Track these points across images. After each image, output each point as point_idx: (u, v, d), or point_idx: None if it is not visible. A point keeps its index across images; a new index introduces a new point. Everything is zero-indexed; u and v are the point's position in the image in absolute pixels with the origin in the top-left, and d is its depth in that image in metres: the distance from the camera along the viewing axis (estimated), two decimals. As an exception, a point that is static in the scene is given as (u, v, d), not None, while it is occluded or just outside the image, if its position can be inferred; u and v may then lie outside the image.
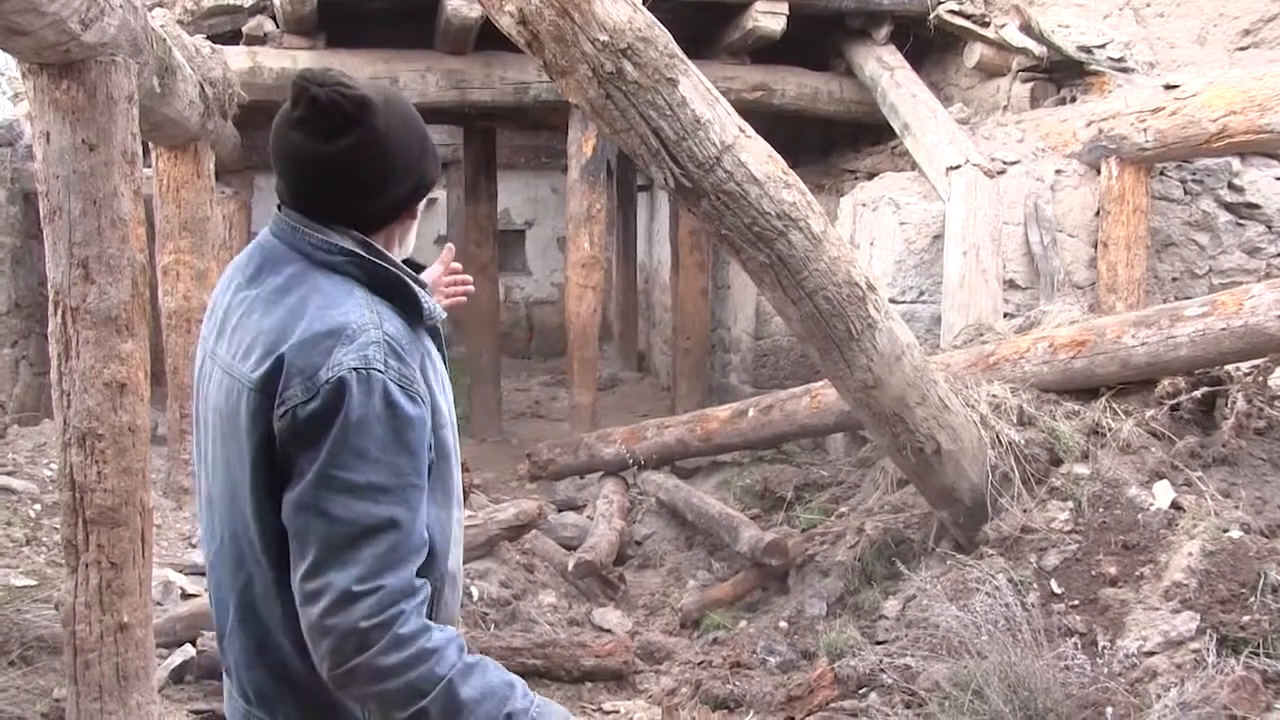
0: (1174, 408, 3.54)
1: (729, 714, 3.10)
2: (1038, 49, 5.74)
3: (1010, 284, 5.02)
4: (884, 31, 6.29)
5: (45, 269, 2.31)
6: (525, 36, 2.51)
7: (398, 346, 1.18)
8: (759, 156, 2.72)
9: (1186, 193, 5.37)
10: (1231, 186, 5.32)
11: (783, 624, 3.79)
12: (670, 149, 2.60)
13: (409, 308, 1.25)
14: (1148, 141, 4.75)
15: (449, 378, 1.34)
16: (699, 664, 3.58)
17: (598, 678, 3.57)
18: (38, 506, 3.94)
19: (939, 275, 5.06)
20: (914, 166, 5.60)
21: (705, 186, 2.67)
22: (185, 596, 3.50)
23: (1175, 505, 3.20)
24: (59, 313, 2.26)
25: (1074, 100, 5.65)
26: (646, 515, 5.34)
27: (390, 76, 5.77)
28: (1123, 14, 5.81)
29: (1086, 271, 5.16)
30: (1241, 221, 5.35)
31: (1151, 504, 3.23)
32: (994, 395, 3.62)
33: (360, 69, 5.52)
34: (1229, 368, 3.57)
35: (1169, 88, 4.71)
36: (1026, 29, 5.77)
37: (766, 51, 6.30)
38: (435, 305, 1.29)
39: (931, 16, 6.05)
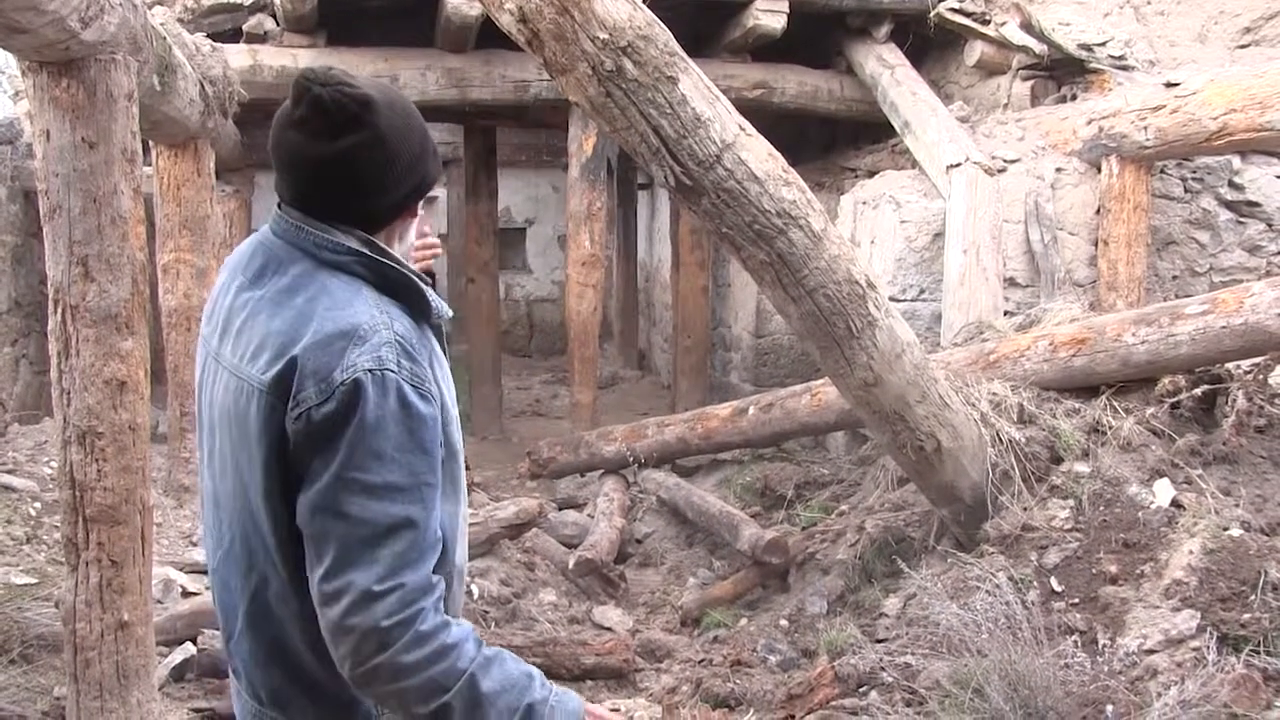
0: (1174, 406, 3.54)
1: (729, 712, 3.10)
2: (1038, 47, 5.73)
3: (1011, 282, 5.01)
4: (884, 30, 6.29)
5: (45, 267, 2.31)
6: (525, 34, 2.51)
7: (408, 346, 1.18)
8: (759, 154, 2.72)
9: (1187, 191, 5.37)
10: (1232, 184, 5.32)
11: (783, 622, 3.79)
12: (670, 147, 2.60)
13: (416, 307, 1.25)
14: (1148, 139, 4.74)
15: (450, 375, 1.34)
16: (699, 662, 3.58)
17: (598, 676, 3.58)
18: (38, 505, 3.94)
19: (939, 273, 5.06)
20: (914, 164, 5.60)
21: (705, 184, 2.67)
22: (186, 595, 3.50)
23: (1176, 503, 3.20)
24: (59, 311, 2.26)
25: (1074, 98, 5.64)
26: (647, 513, 5.34)
27: (390, 75, 5.76)
28: (1123, 12, 5.81)
29: (1087, 269, 5.16)
30: (1242, 219, 5.35)
31: (1152, 502, 3.23)
32: (994, 393, 3.62)
33: (360, 67, 5.52)
34: (1229, 366, 3.56)
35: (1169, 85, 4.71)
36: (1027, 27, 5.77)
37: (767, 50, 6.30)
38: (442, 304, 1.30)
39: (932, 14, 6.05)
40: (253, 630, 1.26)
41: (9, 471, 4.22)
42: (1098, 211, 5.13)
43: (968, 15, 6.00)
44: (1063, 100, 5.73)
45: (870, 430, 3.87)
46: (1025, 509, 3.35)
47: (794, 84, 6.46)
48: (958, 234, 4.89)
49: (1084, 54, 5.57)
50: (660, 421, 5.77)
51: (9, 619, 2.95)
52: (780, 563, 4.25)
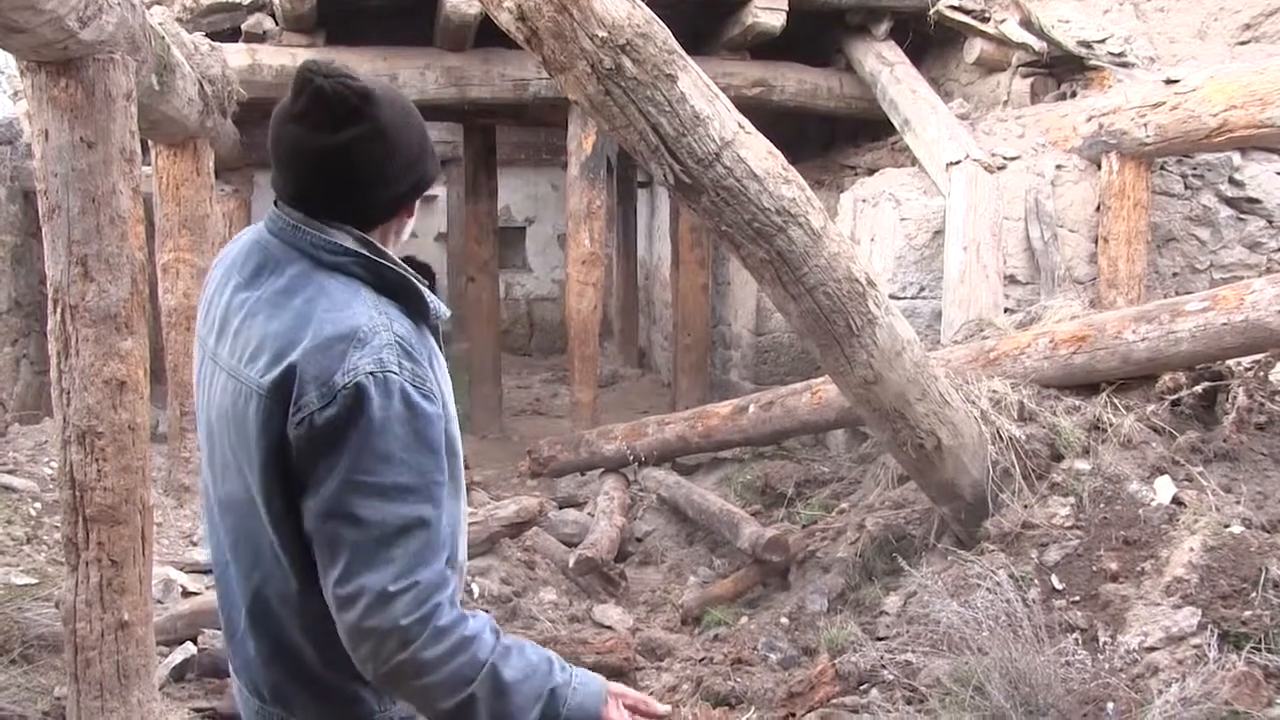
0: (1175, 403, 3.54)
1: (730, 710, 3.10)
2: (1038, 44, 5.73)
3: (1011, 279, 5.01)
4: (884, 27, 6.29)
5: (45, 267, 2.31)
6: (524, 33, 2.50)
7: (408, 347, 1.17)
8: (758, 152, 2.72)
9: (1187, 187, 5.36)
10: (1232, 181, 5.32)
11: (784, 620, 3.79)
12: (670, 145, 2.60)
13: (415, 307, 1.24)
14: (1148, 136, 4.74)
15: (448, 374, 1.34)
16: (700, 661, 3.58)
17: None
18: (38, 505, 3.94)
19: (939, 271, 5.05)
20: (914, 162, 5.59)
21: (705, 182, 2.67)
22: (186, 594, 3.50)
23: (1176, 501, 3.20)
24: (58, 310, 2.26)
25: (1074, 95, 5.64)
26: (647, 512, 5.34)
27: (389, 73, 5.76)
28: (1123, 8, 5.80)
29: (1087, 267, 5.16)
30: (1242, 216, 5.34)
31: (1153, 499, 3.23)
32: (995, 391, 3.62)
33: (359, 66, 5.48)
34: (1230, 363, 3.56)
35: (1169, 82, 4.71)
36: (1026, 24, 5.76)
37: (766, 47, 6.29)
38: (440, 304, 1.29)
39: (931, 12, 6.04)
40: (255, 628, 1.26)
41: (9, 471, 4.22)
42: (1098, 208, 5.12)
43: (967, 12, 6.00)
44: (1062, 97, 5.72)
45: (870, 428, 3.87)
46: (1026, 506, 3.34)
47: (793, 82, 6.46)
48: (958, 231, 4.89)
49: (1084, 51, 5.56)
50: (660, 420, 5.77)
51: (9, 619, 2.95)
52: (781, 561, 4.25)
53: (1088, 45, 5.55)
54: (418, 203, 1.32)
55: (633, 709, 1.25)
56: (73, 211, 2.22)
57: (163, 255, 4.55)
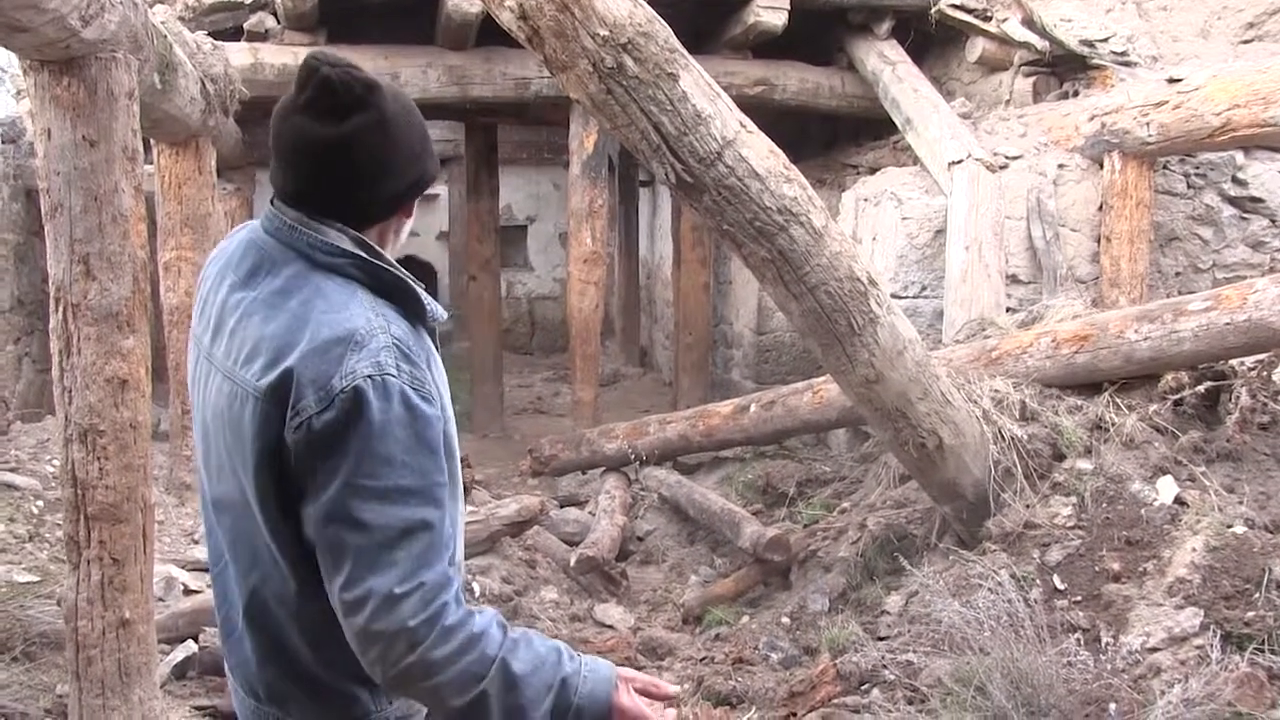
0: (1177, 403, 3.54)
1: (731, 710, 3.10)
2: (1040, 43, 5.72)
3: (1013, 279, 5.01)
4: (885, 26, 6.28)
5: (47, 265, 2.31)
6: (525, 32, 2.50)
7: (406, 349, 1.17)
8: (760, 151, 2.72)
9: (1190, 187, 5.35)
10: (1235, 180, 5.31)
11: (785, 620, 3.79)
12: (671, 144, 2.60)
13: (411, 309, 1.24)
14: (1151, 135, 4.73)
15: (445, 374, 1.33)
16: (701, 660, 3.58)
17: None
18: (40, 503, 3.94)
19: (941, 270, 5.05)
20: (916, 161, 5.59)
21: (706, 182, 2.66)
22: (187, 592, 3.50)
23: (1179, 501, 3.20)
24: (60, 309, 2.26)
25: (1076, 94, 5.63)
26: (648, 511, 5.34)
27: (391, 72, 5.76)
28: (1125, 7, 5.79)
29: (1089, 266, 5.15)
30: (1245, 215, 5.33)
31: (1155, 499, 3.22)
32: (996, 390, 3.61)
33: (361, 65, 5.47)
34: (1233, 362, 3.56)
35: (1172, 81, 4.70)
36: (1029, 23, 5.75)
37: (768, 46, 6.29)
38: (436, 306, 1.28)
39: (933, 11, 6.04)
40: (252, 628, 1.25)
41: (12, 469, 4.22)
42: (1100, 208, 5.12)
43: (969, 11, 5.99)
44: (1065, 96, 5.71)
45: (872, 427, 3.87)
46: (1027, 506, 3.34)
47: (795, 81, 6.45)
48: (959, 231, 4.88)
49: (1086, 50, 5.55)
50: (662, 419, 5.77)
51: (11, 617, 2.95)
52: (782, 560, 4.25)
53: (1090, 44, 5.55)
54: (416, 204, 1.31)
55: (643, 692, 1.25)
56: (75, 210, 2.22)
57: (164, 254, 4.55)
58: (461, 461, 1.37)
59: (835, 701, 2.88)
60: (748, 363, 7.32)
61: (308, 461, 1.12)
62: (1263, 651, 2.57)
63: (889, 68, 6.06)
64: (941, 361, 3.64)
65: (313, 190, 1.21)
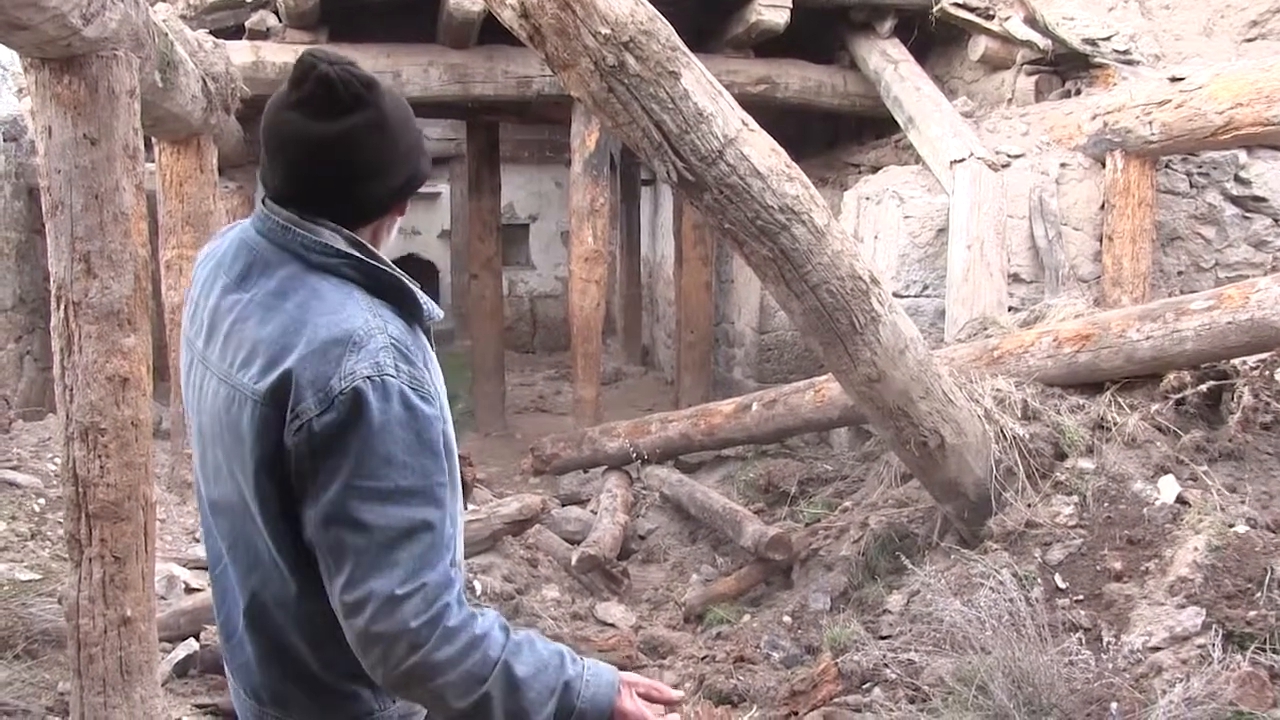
0: (1179, 402, 3.53)
1: (733, 709, 3.10)
2: (1042, 42, 5.71)
3: (1014, 278, 5.00)
4: (888, 24, 6.27)
5: (48, 263, 2.31)
6: (527, 30, 2.50)
7: (404, 349, 1.16)
8: (762, 150, 2.71)
9: (1192, 186, 5.34)
10: (1238, 179, 5.30)
11: (786, 619, 3.79)
12: (673, 142, 2.59)
13: (408, 308, 1.23)
14: (1153, 134, 4.72)
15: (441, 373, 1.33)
16: (703, 659, 3.58)
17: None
18: (42, 501, 3.94)
19: (943, 269, 5.04)
20: (918, 160, 5.58)
21: (708, 180, 2.66)
22: (189, 591, 3.51)
23: (1181, 500, 3.19)
24: (61, 307, 2.25)
25: (1079, 93, 5.62)
26: (650, 510, 5.34)
27: (393, 70, 5.76)
28: (1128, 6, 5.78)
29: (1091, 265, 5.14)
30: (1248, 214, 5.33)
31: (1157, 499, 3.22)
32: (998, 389, 3.61)
33: (363, 63, 5.42)
34: (1235, 362, 3.55)
35: (1175, 80, 4.69)
36: (1031, 21, 5.75)
37: (770, 45, 6.28)
38: (433, 305, 1.27)
39: (935, 9, 6.03)
40: (253, 630, 1.25)
41: (13, 468, 4.23)
42: (1102, 207, 5.11)
43: (971, 10, 5.98)
44: (1067, 95, 5.71)
45: (874, 426, 3.87)
46: (1029, 505, 3.34)
47: (797, 79, 6.45)
48: (961, 229, 4.87)
49: (1088, 49, 5.54)
50: (663, 418, 5.77)
51: (13, 615, 2.95)
52: (783, 559, 4.25)
53: (1092, 43, 5.54)
54: (411, 203, 1.30)
55: (646, 696, 1.24)
56: (76, 208, 2.22)
57: (166, 252, 4.55)
58: (463, 460, 1.37)
59: (837, 700, 2.88)
60: (750, 361, 7.31)
61: (308, 463, 1.11)
62: (1264, 651, 2.57)
63: (891, 66, 6.06)
64: (943, 360, 3.63)
65: (307, 189, 1.20)
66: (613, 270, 10.62)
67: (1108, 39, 5.54)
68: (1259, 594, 2.73)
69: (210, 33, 4.95)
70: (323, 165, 1.18)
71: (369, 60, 5.64)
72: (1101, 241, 5.11)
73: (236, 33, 5.71)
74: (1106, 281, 5.03)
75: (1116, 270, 4.99)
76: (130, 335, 2.31)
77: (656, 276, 10.88)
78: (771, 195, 2.71)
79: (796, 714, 2.92)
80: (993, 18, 5.94)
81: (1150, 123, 4.72)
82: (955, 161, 5.01)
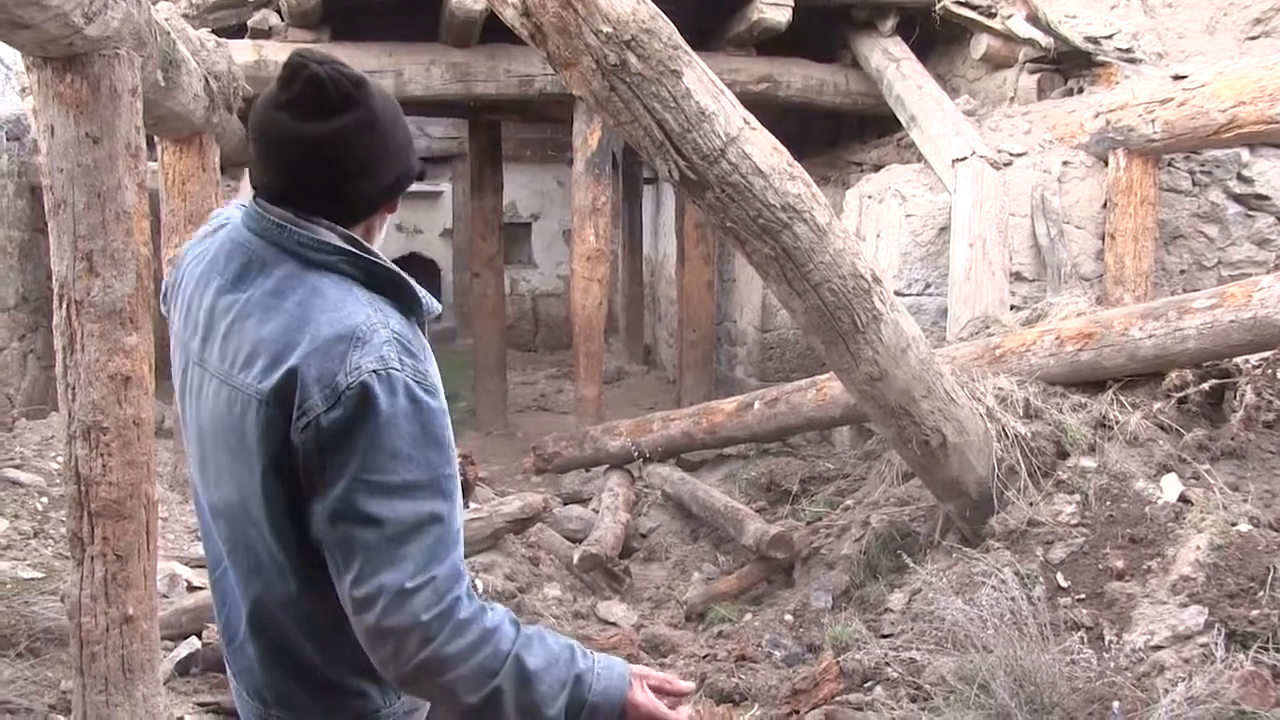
0: (1182, 400, 3.53)
1: (734, 707, 3.10)
2: (1044, 40, 5.70)
3: (1017, 276, 4.99)
4: (890, 23, 6.27)
5: (51, 262, 2.31)
6: (529, 29, 2.50)
7: (406, 343, 1.16)
8: (764, 148, 2.71)
9: (1195, 184, 5.33)
10: (1241, 178, 5.29)
11: (788, 617, 3.79)
12: (675, 141, 2.59)
13: (407, 303, 1.23)
14: (1156, 132, 4.72)
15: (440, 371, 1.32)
16: (704, 657, 3.58)
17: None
18: (45, 499, 3.95)
19: (945, 267, 5.04)
20: (920, 158, 5.57)
21: (710, 179, 2.66)
22: (191, 589, 3.51)
23: (1183, 498, 3.19)
24: (64, 306, 2.26)
25: (1081, 91, 5.61)
26: (652, 508, 5.34)
27: (395, 69, 5.76)
28: (1130, 4, 5.77)
29: (1094, 263, 5.14)
30: (1251, 213, 5.32)
31: (1159, 497, 3.21)
32: (1000, 388, 3.61)
33: (365, 62, 5.52)
34: (1238, 360, 3.55)
35: (1177, 78, 4.68)
36: (1033, 20, 5.74)
37: (772, 43, 6.28)
38: (431, 299, 1.28)
39: (937, 7, 6.02)
40: (256, 633, 1.25)
41: (16, 466, 4.23)
42: (1104, 205, 5.10)
43: (973, 8, 5.97)
44: (1069, 93, 5.70)
45: (875, 425, 3.86)
46: (1031, 504, 3.34)
47: (799, 77, 6.44)
48: (963, 228, 4.87)
49: (1091, 47, 5.53)
50: (665, 416, 5.77)
51: (16, 613, 2.96)
52: (785, 558, 4.25)
53: (1095, 41, 5.53)
54: (408, 201, 1.29)
55: (657, 689, 1.23)
56: (78, 207, 2.22)
57: (168, 251, 4.55)
58: (465, 459, 1.37)
59: (838, 699, 2.87)
60: (751, 360, 7.31)
61: (315, 459, 1.11)
62: (1267, 650, 2.56)
63: (893, 64, 6.05)
64: (945, 359, 3.63)
65: (301, 188, 1.20)
66: (615, 269, 10.62)
67: (1110, 37, 5.53)
68: (1261, 593, 2.73)
69: (212, 31, 4.95)
70: (314, 164, 1.18)
71: (370, 59, 5.64)
72: (1104, 240, 5.10)
73: (239, 31, 5.71)
74: (1109, 280, 5.02)
75: (1119, 269, 4.98)
76: (132, 334, 2.31)
77: (659, 275, 10.88)
78: (773, 194, 2.70)
79: (798, 712, 2.92)
80: (995, 16, 5.93)
81: (1153, 121, 4.72)
82: (957, 160, 5.00)
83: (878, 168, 6.04)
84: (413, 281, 1.25)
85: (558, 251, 12.18)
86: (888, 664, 2.92)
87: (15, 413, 5.14)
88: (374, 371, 1.11)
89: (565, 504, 5.45)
